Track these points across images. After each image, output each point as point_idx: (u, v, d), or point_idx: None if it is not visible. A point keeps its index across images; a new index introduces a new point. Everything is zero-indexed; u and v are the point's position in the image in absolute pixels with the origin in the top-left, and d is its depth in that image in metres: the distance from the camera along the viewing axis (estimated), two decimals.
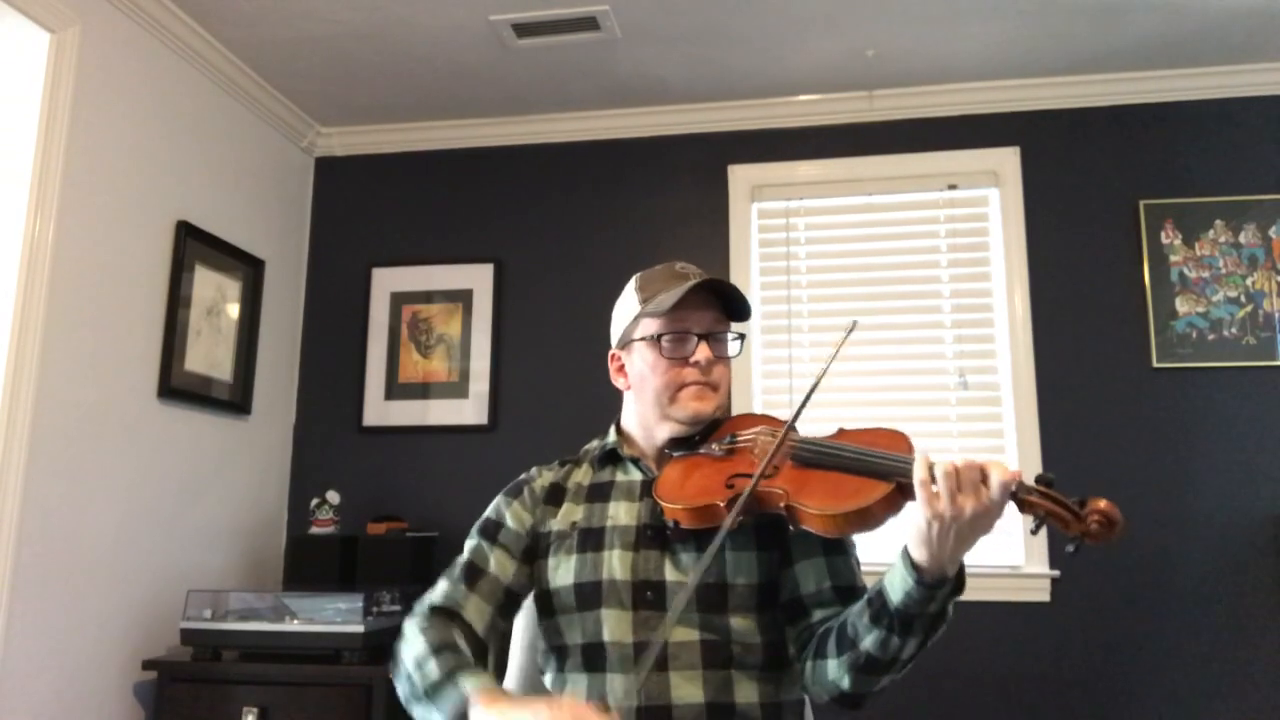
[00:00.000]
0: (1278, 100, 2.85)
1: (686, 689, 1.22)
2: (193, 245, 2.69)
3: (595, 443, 1.51)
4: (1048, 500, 1.06)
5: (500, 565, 1.36)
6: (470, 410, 3.10)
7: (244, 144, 2.99)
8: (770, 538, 1.29)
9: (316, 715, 2.32)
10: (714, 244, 3.06)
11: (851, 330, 1.30)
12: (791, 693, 1.30)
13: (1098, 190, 2.90)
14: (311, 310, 3.30)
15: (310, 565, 2.82)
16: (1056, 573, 2.71)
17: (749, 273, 3.03)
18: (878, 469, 1.14)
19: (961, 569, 1.11)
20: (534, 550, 1.38)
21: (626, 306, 1.44)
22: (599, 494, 1.40)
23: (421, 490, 3.08)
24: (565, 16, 2.58)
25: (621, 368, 1.46)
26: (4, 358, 2.11)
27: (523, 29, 2.65)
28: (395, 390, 3.16)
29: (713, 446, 1.33)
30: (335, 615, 2.37)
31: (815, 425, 1.28)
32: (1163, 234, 2.83)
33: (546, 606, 1.35)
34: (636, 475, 1.40)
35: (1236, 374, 2.73)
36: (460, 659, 1.22)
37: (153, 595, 2.52)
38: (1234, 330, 2.75)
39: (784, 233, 3.07)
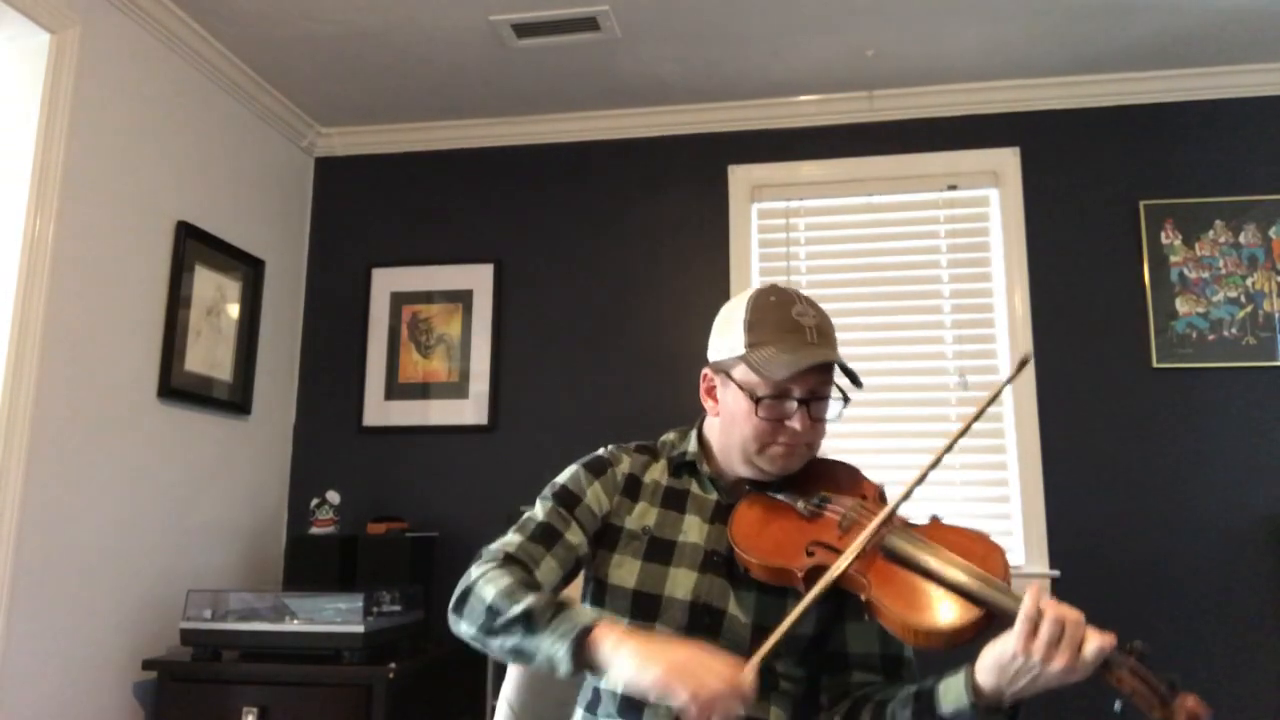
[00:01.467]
0: (1278, 100, 2.85)
1: None
2: (193, 245, 2.69)
3: (673, 435, 1.45)
4: (1137, 679, 1.00)
5: (576, 536, 1.32)
6: (470, 410, 3.10)
7: (244, 144, 2.99)
8: (831, 593, 1.25)
9: (316, 715, 2.32)
10: (714, 244, 3.06)
11: (1022, 366, 1.26)
12: None
13: (1098, 190, 2.90)
14: (311, 310, 3.30)
15: (310, 565, 2.82)
16: (1056, 573, 2.71)
17: (749, 273, 3.03)
18: (971, 593, 1.09)
19: (1018, 704, 1.06)
20: (601, 536, 1.35)
21: (731, 335, 1.31)
22: (674, 502, 1.36)
23: (421, 490, 3.08)
24: (565, 16, 2.58)
25: (712, 389, 1.37)
26: (4, 358, 2.11)
27: (523, 29, 2.65)
28: (395, 390, 3.16)
29: (799, 503, 1.27)
30: (335, 615, 2.37)
31: (897, 488, 1.22)
32: (1163, 234, 2.83)
33: (599, 596, 1.32)
34: (712, 495, 1.35)
35: (1236, 374, 2.73)
36: (556, 595, 1.18)
37: (153, 595, 2.52)
38: (1234, 330, 2.75)
39: (784, 233, 3.07)
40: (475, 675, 2.75)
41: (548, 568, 1.29)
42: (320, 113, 3.22)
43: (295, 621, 2.39)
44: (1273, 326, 2.73)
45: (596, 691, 1.30)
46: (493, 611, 1.18)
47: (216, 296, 2.81)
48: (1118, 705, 1.02)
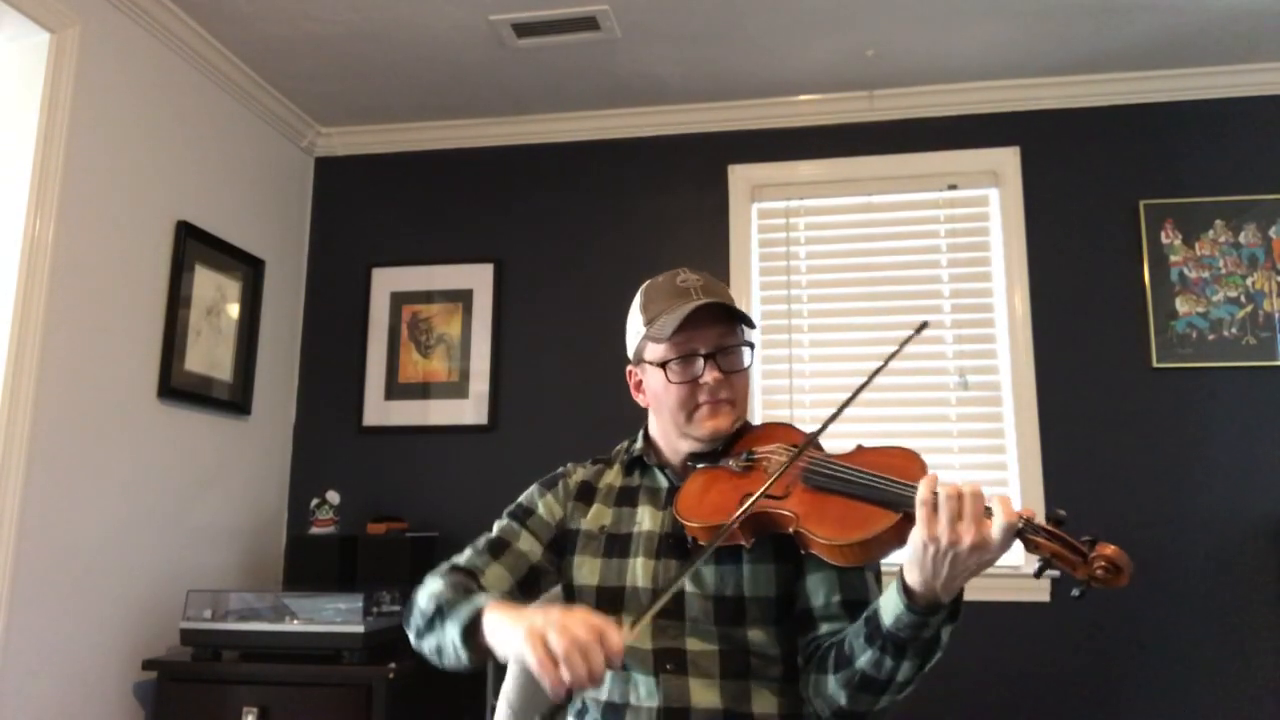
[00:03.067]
0: (1278, 100, 2.85)
1: (705, 695, 1.23)
2: (193, 245, 2.69)
3: (625, 442, 1.52)
4: (1054, 542, 1.03)
5: (528, 544, 1.39)
6: (470, 410, 3.10)
7: (244, 144, 2.99)
8: (788, 550, 1.27)
9: (316, 715, 2.32)
10: (714, 244, 3.06)
11: (920, 329, 1.28)
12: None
13: (1098, 190, 2.90)
14: (311, 310, 3.30)
15: (310, 565, 2.82)
16: (1057, 573, 2.69)
17: (749, 273, 3.03)
18: (886, 498, 1.12)
19: (958, 598, 1.09)
20: (561, 543, 1.40)
21: (634, 324, 1.41)
22: (627, 498, 1.41)
23: (421, 490, 3.08)
24: (565, 16, 2.58)
25: (639, 384, 1.44)
26: (4, 358, 2.11)
27: (523, 29, 2.65)
28: (395, 390, 3.16)
29: (730, 462, 1.31)
30: (335, 615, 2.37)
31: (836, 440, 1.26)
32: (1163, 234, 2.83)
33: (569, 601, 1.37)
34: (662, 482, 1.41)
35: (1236, 374, 2.73)
36: (477, 592, 1.25)
37: (153, 595, 2.52)
38: (1234, 330, 2.75)
39: (784, 233, 3.07)
40: (475, 675, 2.75)
41: (494, 574, 1.35)
42: (320, 113, 3.22)
43: (295, 622, 2.39)
44: (1273, 326, 2.73)
45: (584, 701, 1.32)
46: (421, 613, 1.25)
47: (216, 296, 2.81)
48: (1037, 566, 1.06)
